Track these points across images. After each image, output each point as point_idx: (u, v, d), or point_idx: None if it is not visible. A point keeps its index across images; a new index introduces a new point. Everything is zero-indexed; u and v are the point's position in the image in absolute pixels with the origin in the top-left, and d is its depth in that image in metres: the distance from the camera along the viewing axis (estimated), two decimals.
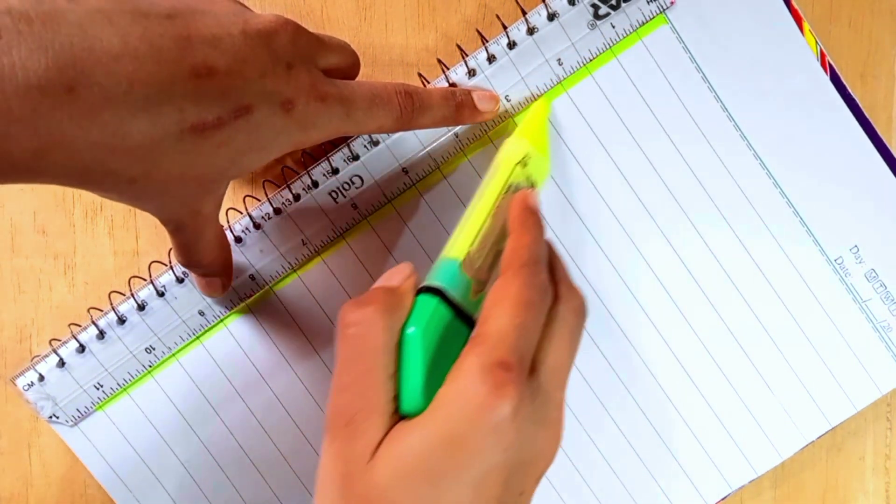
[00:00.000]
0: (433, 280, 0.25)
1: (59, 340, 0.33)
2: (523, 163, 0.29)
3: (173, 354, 0.33)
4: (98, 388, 0.33)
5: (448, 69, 0.32)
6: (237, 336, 0.34)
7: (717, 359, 0.34)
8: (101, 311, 0.33)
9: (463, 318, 0.24)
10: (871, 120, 0.33)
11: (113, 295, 0.32)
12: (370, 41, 0.33)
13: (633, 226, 0.33)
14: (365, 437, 0.22)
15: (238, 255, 0.33)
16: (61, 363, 0.33)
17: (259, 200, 0.32)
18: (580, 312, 0.26)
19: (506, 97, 0.32)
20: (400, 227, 0.33)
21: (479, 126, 0.32)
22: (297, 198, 0.32)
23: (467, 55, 0.32)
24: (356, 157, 0.32)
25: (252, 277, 0.33)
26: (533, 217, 0.27)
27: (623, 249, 0.34)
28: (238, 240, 0.32)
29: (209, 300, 0.33)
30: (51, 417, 0.33)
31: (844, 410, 0.34)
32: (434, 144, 0.32)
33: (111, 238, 0.34)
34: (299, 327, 0.34)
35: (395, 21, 0.33)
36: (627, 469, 0.35)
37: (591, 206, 0.33)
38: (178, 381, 0.34)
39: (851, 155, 0.33)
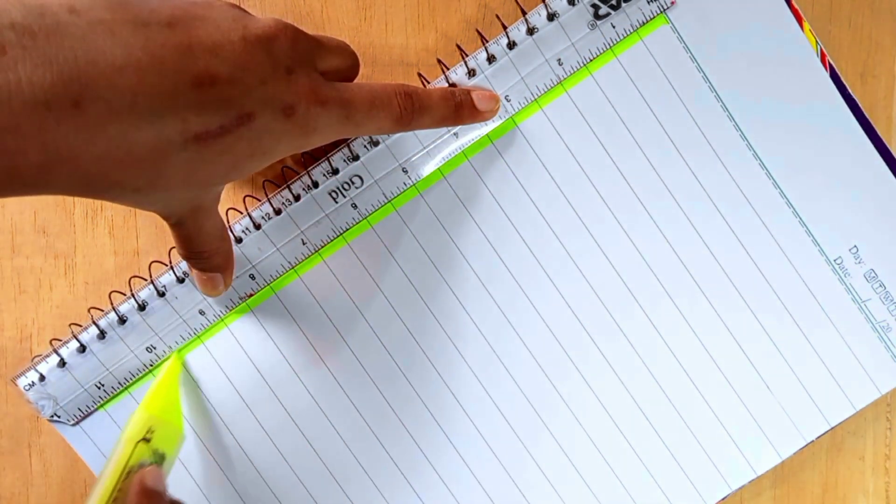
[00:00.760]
0: None
1: (60, 340, 0.33)
2: (146, 438, 0.29)
3: (175, 354, 0.33)
4: (99, 388, 0.33)
5: (448, 69, 0.32)
6: (238, 336, 0.34)
7: (716, 359, 0.34)
8: (102, 310, 0.33)
9: None
10: (871, 120, 0.33)
11: (113, 295, 0.33)
12: (370, 41, 0.33)
13: (631, 225, 0.33)
14: None
15: (238, 255, 0.33)
16: (62, 363, 0.33)
17: (259, 200, 0.32)
18: None
19: (506, 97, 0.32)
20: (400, 227, 0.33)
21: (479, 126, 0.32)
22: (297, 198, 0.32)
23: (467, 55, 0.32)
24: (356, 158, 0.32)
25: (252, 277, 0.33)
26: (150, 499, 0.26)
27: (622, 249, 0.34)
28: (238, 240, 0.32)
29: (210, 299, 0.33)
30: (52, 417, 0.33)
31: (844, 411, 0.34)
32: (434, 144, 0.32)
33: (112, 238, 0.34)
34: (300, 328, 0.34)
35: (395, 21, 0.33)
36: (627, 469, 0.35)
37: (591, 206, 0.33)
38: (179, 382, 0.34)
39: (851, 155, 0.33)
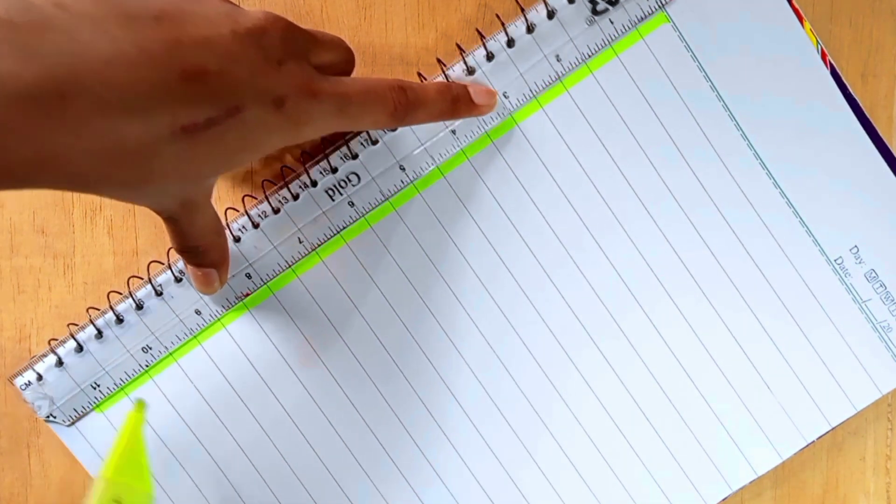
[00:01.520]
0: None
1: (58, 340, 0.33)
2: None
3: (171, 355, 0.33)
4: (95, 388, 0.33)
5: (447, 68, 0.32)
6: (236, 337, 0.34)
7: (717, 359, 0.34)
8: (100, 310, 0.33)
9: None
10: (871, 120, 0.33)
11: (112, 295, 0.32)
12: (370, 41, 0.33)
13: (632, 225, 0.33)
14: None
15: (234, 253, 0.32)
16: (60, 363, 0.33)
17: (257, 199, 0.32)
18: None
19: (504, 94, 0.32)
20: (399, 226, 0.33)
21: (476, 122, 0.32)
22: (296, 197, 0.32)
23: (467, 55, 0.32)
24: (355, 157, 0.32)
25: (248, 276, 0.33)
26: None
27: (622, 249, 0.34)
28: (237, 239, 0.32)
29: (206, 298, 0.33)
30: (48, 417, 0.33)
31: (844, 411, 0.34)
32: (431, 141, 0.32)
33: (110, 238, 0.34)
34: (298, 328, 0.34)
35: (394, 20, 0.33)
36: (627, 469, 0.35)
37: (591, 205, 0.33)
38: (177, 383, 0.34)
39: (852, 155, 0.33)
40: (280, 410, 0.34)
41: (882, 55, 0.34)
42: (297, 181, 0.32)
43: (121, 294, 0.33)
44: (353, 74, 0.30)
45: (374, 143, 0.32)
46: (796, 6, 0.32)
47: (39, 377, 0.33)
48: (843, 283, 0.34)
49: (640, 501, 0.35)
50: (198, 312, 0.33)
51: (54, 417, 0.33)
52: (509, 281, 0.34)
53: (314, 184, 0.32)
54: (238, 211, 0.32)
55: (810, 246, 0.34)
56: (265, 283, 0.33)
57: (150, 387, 0.33)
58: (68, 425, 0.33)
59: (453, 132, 0.32)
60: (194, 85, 0.22)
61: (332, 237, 0.33)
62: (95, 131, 0.20)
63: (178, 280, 0.32)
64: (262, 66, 0.23)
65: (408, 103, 0.28)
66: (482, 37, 0.32)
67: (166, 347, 0.33)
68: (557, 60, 0.32)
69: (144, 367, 0.33)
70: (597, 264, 0.34)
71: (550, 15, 0.31)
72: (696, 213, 0.33)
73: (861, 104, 0.33)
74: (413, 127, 0.32)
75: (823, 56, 0.32)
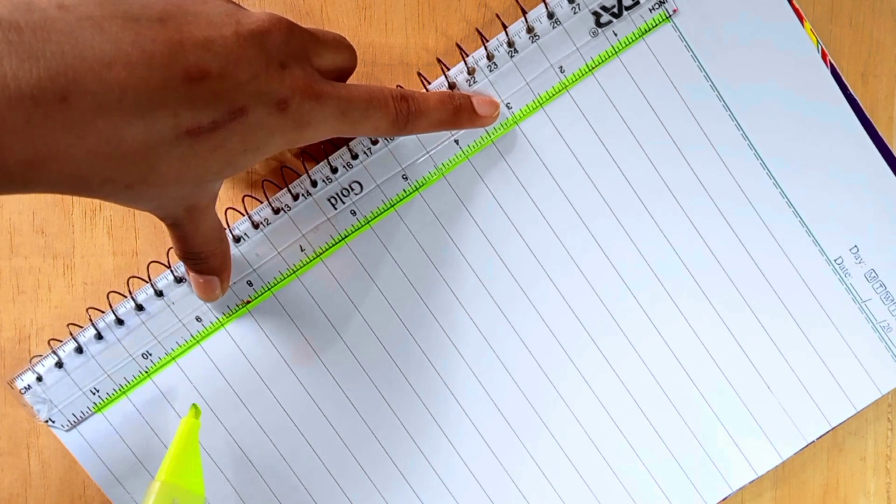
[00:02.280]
0: None
1: (58, 341, 0.33)
2: None
3: (171, 356, 0.33)
4: (94, 393, 0.33)
5: (448, 69, 0.32)
6: (236, 338, 0.34)
7: (717, 359, 0.34)
8: (100, 311, 0.33)
9: None
10: (872, 120, 0.33)
11: (112, 295, 0.32)
12: (370, 41, 0.33)
13: (632, 225, 0.33)
14: None
15: (236, 259, 0.32)
16: (59, 364, 0.33)
17: (259, 201, 0.32)
18: None
19: (507, 105, 0.32)
20: (399, 226, 0.33)
21: (480, 131, 0.32)
22: (296, 197, 0.32)
23: (467, 55, 0.32)
24: (355, 157, 0.32)
25: (249, 283, 0.33)
26: None
27: (622, 248, 0.34)
28: (237, 239, 0.32)
29: (208, 305, 0.33)
30: (47, 421, 0.33)
31: (844, 411, 0.34)
32: (436, 150, 0.32)
33: (110, 238, 0.34)
34: (298, 329, 0.34)
35: (395, 21, 0.33)
36: (627, 469, 0.35)
37: (592, 206, 0.33)
38: (176, 383, 0.33)
39: (852, 155, 0.33)
40: (280, 410, 0.34)
41: (882, 55, 0.34)
42: (298, 182, 0.32)
43: (121, 295, 0.33)
44: (354, 74, 0.30)
45: (374, 143, 0.32)
46: (797, 6, 0.32)
47: (39, 378, 0.33)
48: (843, 283, 0.34)
49: (639, 501, 0.35)
50: (198, 319, 0.33)
51: (53, 422, 0.33)
52: (509, 281, 0.34)
53: (314, 184, 0.32)
54: (239, 213, 0.32)
55: (810, 246, 0.34)
56: (267, 290, 0.33)
57: (150, 387, 0.33)
58: (67, 430, 0.33)
59: (456, 142, 0.32)
60: (197, 87, 0.21)
61: (334, 244, 0.33)
62: (96, 132, 0.20)
63: (178, 281, 0.32)
64: (265, 67, 0.23)
65: (409, 112, 0.28)
66: (483, 38, 0.32)
67: (167, 351, 0.33)
68: (561, 71, 0.32)
69: (145, 370, 0.33)
70: (597, 264, 0.34)
71: (553, 24, 0.31)
72: (697, 212, 0.33)
73: (861, 104, 0.33)
74: (417, 136, 0.32)
75: (824, 56, 0.32)
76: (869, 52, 0.34)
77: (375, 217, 0.33)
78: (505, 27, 0.32)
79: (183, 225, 0.26)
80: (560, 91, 0.32)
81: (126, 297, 0.33)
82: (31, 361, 0.33)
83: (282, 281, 0.33)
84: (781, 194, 0.33)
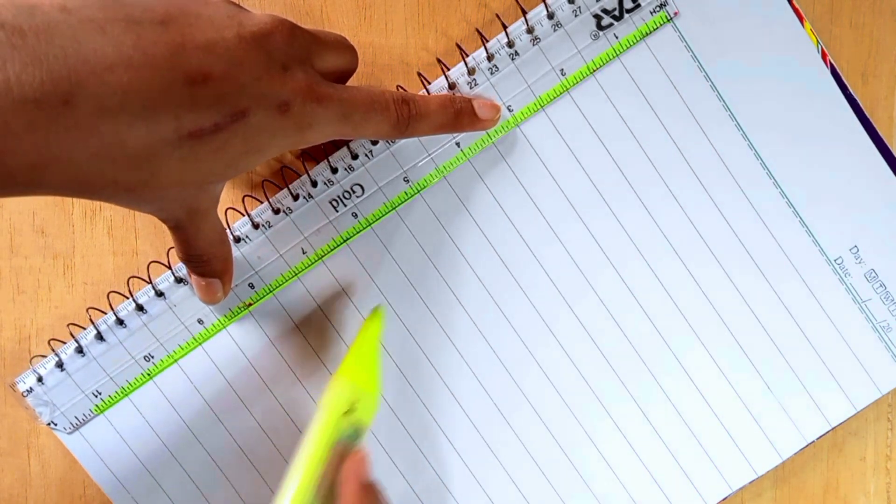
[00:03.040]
0: None
1: (58, 341, 0.33)
2: (350, 410, 0.28)
3: (173, 357, 0.33)
4: (97, 396, 0.33)
5: (448, 69, 0.32)
6: (237, 338, 0.34)
7: (717, 359, 0.34)
8: (101, 311, 0.33)
9: None
10: (872, 120, 0.33)
11: (112, 295, 0.32)
12: (370, 41, 0.33)
13: (633, 226, 0.33)
14: None
15: (238, 258, 0.32)
16: (60, 365, 0.33)
17: (259, 201, 0.32)
18: None
19: (508, 107, 0.32)
20: (399, 226, 0.33)
21: (481, 134, 0.32)
22: (296, 198, 0.32)
23: (467, 55, 0.32)
24: (355, 157, 0.32)
25: (251, 286, 0.33)
26: (370, 496, 0.26)
27: (623, 249, 0.34)
28: (238, 240, 0.32)
29: (209, 308, 0.33)
30: (50, 424, 0.33)
31: (844, 411, 0.34)
32: (436, 152, 0.32)
33: (110, 238, 0.34)
34: (299, 329, 0.34)
35: (395, 21, 0.33)
36: (627, 469, 0.35)
37: (592, 206, 0.33)
38: (178, 384, 0.34)
39: (852, 155, 0.33)
40: (280, 411, 0.34)
41: (882, 55, 0.34)
42: (298, 183, 0.32)
43: (121, 294, 0.33)
44: (354, 74, 0.30)
45: (374, 143, 0.32)
46: (797, 7, 0.32)
47: (40, 379, 0.33)
48: (843, 283, 0.34)
49: (639, 501, 0.35)
50: (200, 322, 0.33)
51: (56, 424, 0.33)
52: (509, 280, 0.34)
53: (315, 184, 0.32)
54: (240, 213, 0.32)
55: (810, 246, 0.34)
56: (269, 292, 0.33)
57: (151, 388, 0.33)
58: (70, 433, 0.33)
59: (457, 143, 0.32)
60: (199, 89, 0.21)
61: (335, 245, 0.33)
62: (99, 135, 0.20)
63: (178, 281, 0.32)
64: (267, 70, 0.23)
65: (410, 115, 0.28)
66: (483, 38, 0.32)
67: (168, 352, 0.33)
68: (562, 74, 0.32)
69: (146, 371, 0.33)
70: (597, 264, 0.34)
71: (554, 26, 0.31)
72: (697, 213, 0.33)
73: (861, 104, 0.33)
74: (419, 138, 0.32)
75: (824, 56, 0.32)
76: (869, 52, 0.34)
77: (376, 218, 0.33)
78: (505, 27, 0.32)
79: (185, 227, 0.26)
80: (560, 92, 0.32)
81: (126, 297, 0.33)
82: (31, 362, 0.33)
83: (283, 282, 0.33)
84: (781, 194, 0.33)
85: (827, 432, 0.35)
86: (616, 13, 0.31)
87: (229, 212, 0.33)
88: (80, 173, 0.20)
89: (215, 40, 0.22)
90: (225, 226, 0.32)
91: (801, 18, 0.32)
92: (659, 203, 0.33)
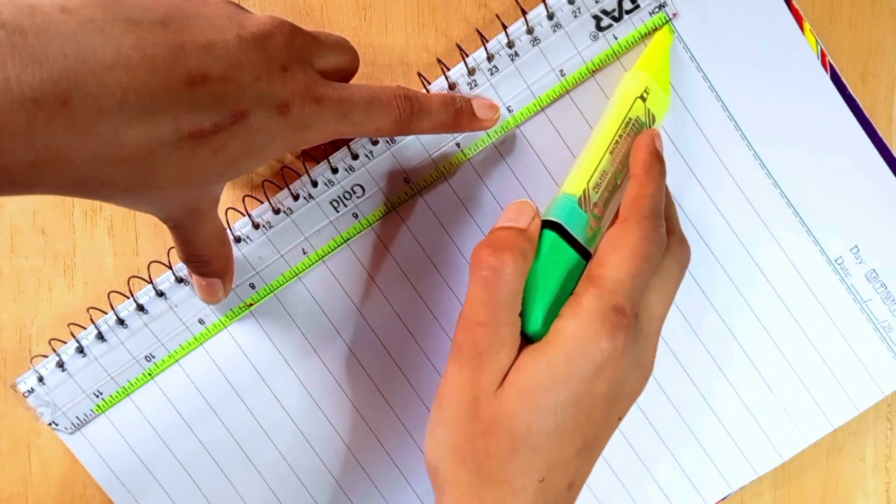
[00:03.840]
0: (552, 215, 0.27)
1: (59, 341, 0.33)
2: (643, 97, 0.30)
3: (173, 357, 0.33)
4: (98, 395, 0.33)
5: (448, 69, 0.32)
6: (237, 337, 0.34)
7: (717, 359, 0.34)
8: (101, 311, 0.33)
9: (579, 250, 0.27)
10: (871, 120, 0.33)
11: (112, 295, 0.32)
12: (370, 41, 0.33)
13: None
14: (495, 368, 0.25)
15: (239, 258, 0.32)
16: (61, 365, 0.33)
17: (259, 201, 0.32)
18: (684, 265, 0.29)
19: (508, 108, 0.32)
20: (399, 226, 0.33)
21: (481, 135, 0.32)
22: (297, 198, 0.32)
23: (467, 55, 0.32)
24: (355, 157, 0.32)
25: (252, 286, 0.33)
26: (658, 164, 0.28)
27: None
28: (238, 240, 0.32)
29: (210, 308, 0.33)
30: (51, 424, 0.33)
31: (846, 412, 0.34)
32: (437, 153, 0.32)
33: (111, 238, 0.34)
34: (299, 328, 0.34)
35: (395, 21, 0.33)
36: (627, 469, 0.35)
37: None
38: (179, 384, 0.34)
39: (852, 155, 0.33)
40: (280, 410, 0.34)
41: (882, 55, 0.34)
42: (299, 183, 0.32)
43: (122, 294, 0.33)
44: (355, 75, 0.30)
45: (375, 143, 0.32)
46: (796, 7, 0.32)
47: (41, 379, 0.33)
48: (844, 283, 0.34)
49: (639, 500, 0.35)
50: (201, 322, 0.33)
51: (57, 424, 0.33)
52: None
53: (315, 184, 0.32)
54: (240, 213, 0.32)
55: (810, 246, 0.34)
56: (270, 292, 0.33)
57: (152, 388, 0.33)
58: (71, 433, 0.34)
59: (457, 144, 0.32)
60: (198, 90, 0.22)
61: (335, 245, 0.33)
62: (97, 136, 0.20)
63: (179, 281, 0.32)
64: (267, 71, 0.23)
65: (411, 112, 0.28)
66: (483, 38, 0.32)
67: (169, 352, 0.33)
68: (562, 75, 0.32)
69: (147, 371, 0.33)
70: None
71: (554, 27, 0.31)
72: (697, 213, 0.33)
73: (861, 104, 0.33)
74: (420, 139, 0.32)
75: (823, 57, 0.32)
76: (868, 52, 0.34)
77: (377, 218, 0.33)
78: (505, 28, 0.32)
79: (185, 227, 0.26)
80: (560, 93, 0.32)
81: (127, 297, 0.33)
82: (31, 361, 0.33)
83: (284, 282, 0.33)
84: (781, 195, 0.33)
85: (828, 433, 0.35)
86: (615, 14, 0.31)
87: (230, 212, 0.33)
88: (79, 173, 0.20)
89: (215, 41, 0.22)
90: (225, 226, 0.32)
91: (800, 19, 0.32)
92: None
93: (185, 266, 0.31)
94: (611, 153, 0.29)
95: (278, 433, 0.34)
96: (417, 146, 0.32)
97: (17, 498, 0.35)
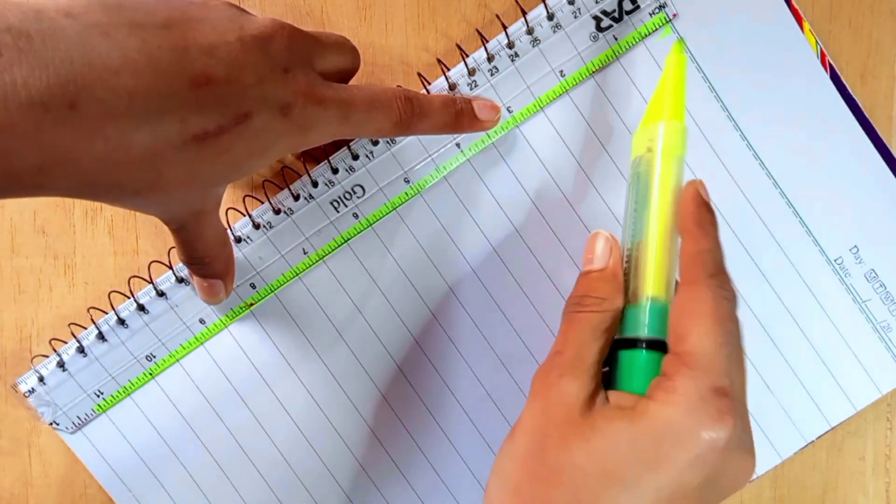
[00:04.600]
0: (655, 331, 0.25)
1: (59, 341, 0.33)
2: (650, 149, 0.26)
3: (174, 357, 0.33)
4: (98, 395, 0.33)
5: (448, 70, 0.32)
6: (238, 337, 0.34)
7: None
8: (102, 311, 0.33)
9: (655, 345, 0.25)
10: (871, 120, 0.33)
11: (113, 295, 0.32)
12: (370, 41, 0.33)
13: None
14: (567, 400, 0.24)
15: (240, 258, 0.33)
16: (62, 365, 0.33)
17: (259, 201, 0.32)
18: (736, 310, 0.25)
19: (508, 108, 0.32)
20: (400, 227, 0.33)
21: (481, 134, 0.32)
22: (297, 198, 0.32)
23: (467, 55, 0.32)
24: (356, 157, 0.32)
25: (252, 286, 0.33)
26: (708, 215, 0.25)
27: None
28: (239, 240, 0.32)
29: (211, 308, 0.33)
30: (52, 423, 0.33)
31: (844, 411, 0.34)
32: (438, 153, 0.32)
33: (111, 238, 0.34)
34: (299, 328, 0.34)
35: (395, 21, 0.33)
36: None
37: (592, 206, 0.33)
38: (180, 383, 0.34)
39: (851, 155, 0.33)
40: (281, 410, 0.34)
41: (882, 55, 0.34)
42: (299, 183, 0.32)
43: (122, 294, 0.33)
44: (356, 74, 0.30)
45: (375, 143, 0.32)
46: (795, 7, 0.32)
47: (41, 379, 0.33)
48: (843, 283, 0.34)
49: None
50: (202, 321, 0.33)
51: (58, 424, 0.33)
52: (510, 281, 0.34)
53: (315, 184, 0.32)
54: (241, 213, 0.32)
55: (810, 246, 0.34)
56: (270, 292, 0.33)
57: (153, 387, 0.34)
58: (72, 432, 0.34)
59: (457, 144, 0.32)
60: (203, 92, 0.22)
61: (335, 245, 0.33)
62: (105, 138, 0.20)
63: (180, 281, 0.32)
64: (269, 72, 0.23)
65: (412, 113, 0.28)
66: (483, 38, 0.32)
67: (169, 351, 0.33)
68: (561, 75, 0.32)
69: (148, 371, 0.33)
70: None
71: (554, 27, 0.31)
72: None
73: (860, 104, 0.33)
74: (420, 139, 0.32)
75: (823, 57, 0.32)
76: (868, 52, 0.34)
77: (377, 218, 0.33)
78: (505, 28, 0.32)
79: (188, 229, 0.26)
80: (560, 93, 0.32)
81: (127, 297, 0.33)
82: (32, 361, 0.33)
83: (284, 281, 0.33)
84: (781, 195, 0.33)
85: (826, 432, 0.35)
86: (615, 15, 0.32)
87: (230, 212, 0.33)
88: (87, 176, 0.21)
89: (218, 43, 0.22)
90: (226, 226, 0.32)
91: (799, 19, 0.32)
92: None
93: (185, 267, 0.31)
94: (666, 227, 0.25)
95: (278, 432, 0.34)
96: (418, 146, 0.32)
97: (17, 498, 0.35)
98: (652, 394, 0.23)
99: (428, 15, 0.33)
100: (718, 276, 0.24)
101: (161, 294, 0.33)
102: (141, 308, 0.33)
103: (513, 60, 0.32)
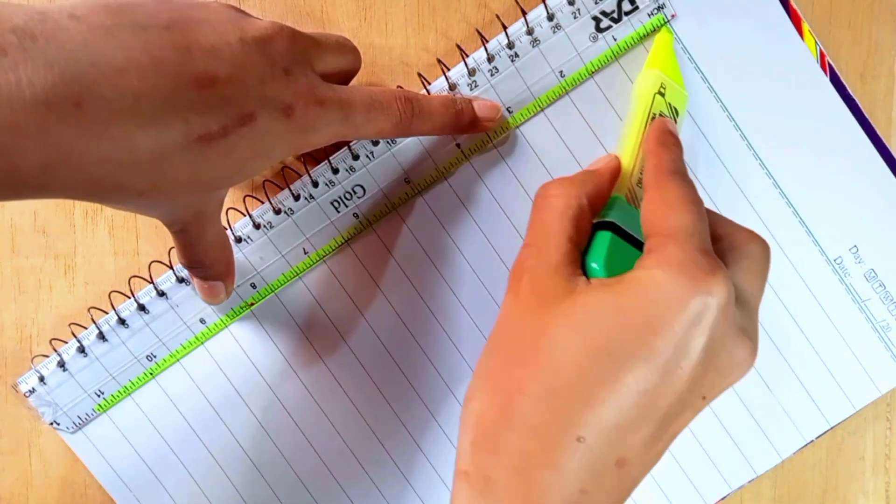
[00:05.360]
0: (606, 216, 0.26)
1: (60, 341, 0.33)
2: (661, 92, 0.30)
3: (175, 356, 0.33)
4: (99, 395, 0.33)
5: (448, 70, 0.32)
6: (238, 337, 0.34)
7: None
8: (102, 311, 0.33)
9: (637, 246, 0.25)
10: (870, 120, 0.33)
11: (113, 295, 0.33)
12: (370, 41, 0.33)
13: None
14: (539, 288, 0.23)
15: (240, 259, 0.33)
16: (62, 364, 0.33)
17: (259, 201, 0.33)
18: (766, 248, 0.25)
19: (508, 109, 0.32)
20: (400, 227, 0.33)
21: (481, 135, 0.32)
22: (297, 198, 0.32)
23: (467, 55, 0.32)
24: (356, 157, 0.32)
25: (253, 286, 0.33)
26: (672, 137, 0.27)
27: None
28: (239, 240, 0.33)
29: (211, 308, 0.33)
30: (52, 423, 0.33)
31: (844, 410, 0.34)
32: (437, 153, 0.32)
33: (111, 238, 0.34)
34: (300, 328, 0.34)
35: (395, 21, 0.33)
36: None
37: None
38: (180, 383, 0.34)
39: (851, 155, 0.33)
40: (281, 409, 0.34)
41: (881, 55, 0.34)
42: (300, 183, 0.32)
43: (122, 294, 0.33)
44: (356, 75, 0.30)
45: (375, 143, 0.32)
46: (794, 8, 0.32)
47: (42, 379, 0.33)
48: (843, 283, 0.34)
49: (639, 500, 0.35)
50: (202, 321, 0.33)
51: (58, 424, 0.33)
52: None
53: (315, 184, 0.32)
54: (241, 213, 0.33)
55: (810, 246, 0.34)
56: (271, 292, 0.33)
57: (153, 387, 0.34)
58: (73, 432, 0.34)
59: (458, 145, 0.32)
60: (207, 92, 0.22)
61: (336, 245, 0.33)
62: (110, 138, 0.20)
63: (180, 281, 0.33)
64: (270, 73, 0.23)
65: (412, 114, 0.28)
66: (483, 38, 0.32)
67: (170, 351, 0.33)
68: (561, 76, 0.32)
69: (148, 371, 0.33)
70: None
71: (554, 28, 0.31)
72: None
73: (860, 105, 0.33)
74: (420, 139, 0.32)
75: (822, 57, 0.33)
76: (867, 52, 0.34)
77: (377, 218, 0.33)
78: (505, 28, 0.32)
79: (190, 231, 0.26)
80: (560, 94, 0.32)
81: (128, 297, 0.33)
82: (32, 361, 0.33)
83: (284, 281, 0.33)
84: (781, 194, 0.33)
85: (826, 432, 0.35)
86: (615, 15, 0.32)
87: (230, 212, 0.33)
88: (91, 176, 0.21)
89: (219, 44, 0.22)
90: (226, 226, 0.32)
91: (798, 20, 0.32)
92: None
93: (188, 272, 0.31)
94: (643, 149, 0.29)
95: (279, 432, 0.34)
96: (418, 147, 0.32)
97: (17, 497, 0.35)
98: (639, 265, 0.22)
99: (428, 15, 0.33)
100: (679, 173, 0.25)
101: (161, 294, 0.33)
102: (141, 308, 0.33)
103: (513, 61, 0.32)
